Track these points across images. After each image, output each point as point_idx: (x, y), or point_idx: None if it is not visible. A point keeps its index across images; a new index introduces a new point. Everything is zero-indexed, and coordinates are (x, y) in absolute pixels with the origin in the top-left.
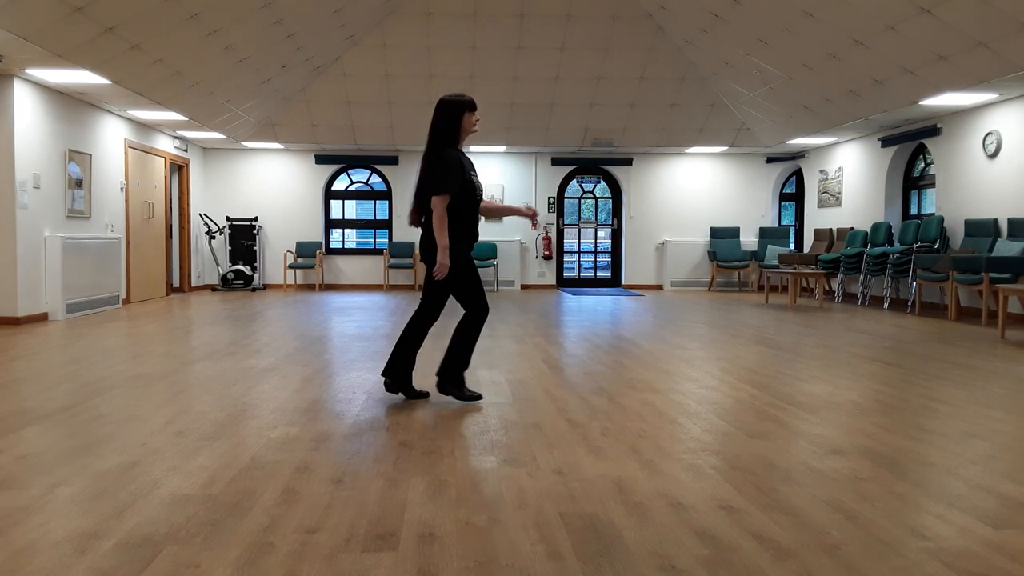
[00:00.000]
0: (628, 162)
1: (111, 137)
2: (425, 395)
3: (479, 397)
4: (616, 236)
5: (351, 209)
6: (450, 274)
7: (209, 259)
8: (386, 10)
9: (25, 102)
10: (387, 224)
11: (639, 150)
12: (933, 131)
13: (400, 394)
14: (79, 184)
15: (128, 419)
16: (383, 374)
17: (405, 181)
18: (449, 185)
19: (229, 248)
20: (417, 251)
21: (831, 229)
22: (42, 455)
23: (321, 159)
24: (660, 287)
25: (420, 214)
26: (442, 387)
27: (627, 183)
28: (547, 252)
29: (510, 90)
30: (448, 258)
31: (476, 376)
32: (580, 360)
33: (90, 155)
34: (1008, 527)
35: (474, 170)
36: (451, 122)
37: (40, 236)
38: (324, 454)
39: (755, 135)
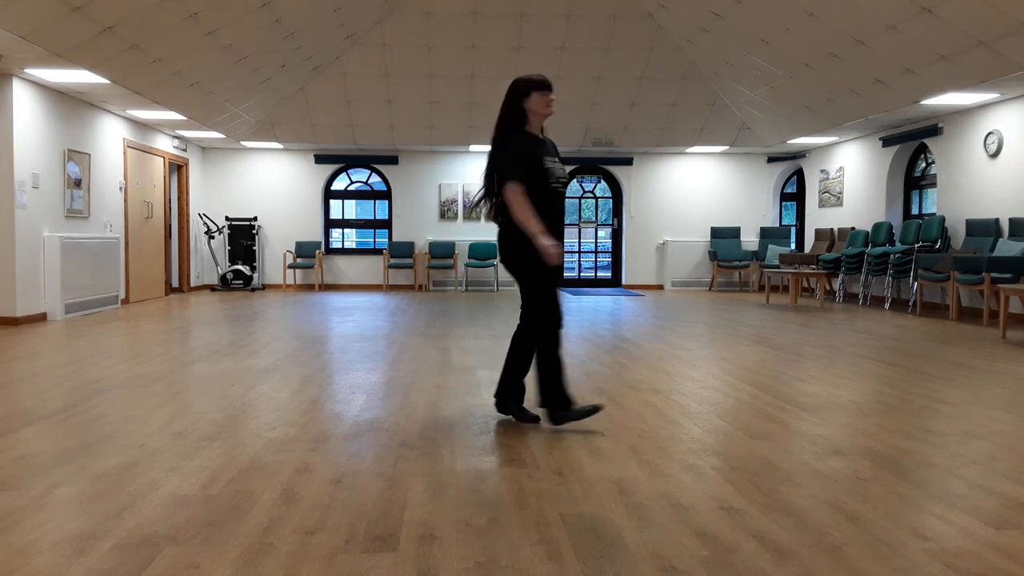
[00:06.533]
0: (628, 162)
1: (110, 137)
2: (536, 419)
3: (536, 419)
4: (616, 236)
5: (351, 209)
6: (532, 270)
7: (208, 259)
8: (386, 9)
9: (24, 102)
10: (387, 224)
11: (639, 150)
12: (934, 131)
13: (510, 416)
14: (78, 184)
15: (127, 419)
16: (495, 395)
17: (405, 181)
18: (518, 171)
19: (228, 248)
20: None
21: (832, 229)
22: (41, 455)
23: (320, 159)
24: (660, 287)
25: (498, 210)
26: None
27: (627, 183)
28: None
29: None
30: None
31: (476, 376)
32: (580, 360)
33: (89, 155)
34: (1009, 528)
35: (555, 155)
36: (515, 104)
37: (39, 236)
38: (324, 454)
39: (756, 135)
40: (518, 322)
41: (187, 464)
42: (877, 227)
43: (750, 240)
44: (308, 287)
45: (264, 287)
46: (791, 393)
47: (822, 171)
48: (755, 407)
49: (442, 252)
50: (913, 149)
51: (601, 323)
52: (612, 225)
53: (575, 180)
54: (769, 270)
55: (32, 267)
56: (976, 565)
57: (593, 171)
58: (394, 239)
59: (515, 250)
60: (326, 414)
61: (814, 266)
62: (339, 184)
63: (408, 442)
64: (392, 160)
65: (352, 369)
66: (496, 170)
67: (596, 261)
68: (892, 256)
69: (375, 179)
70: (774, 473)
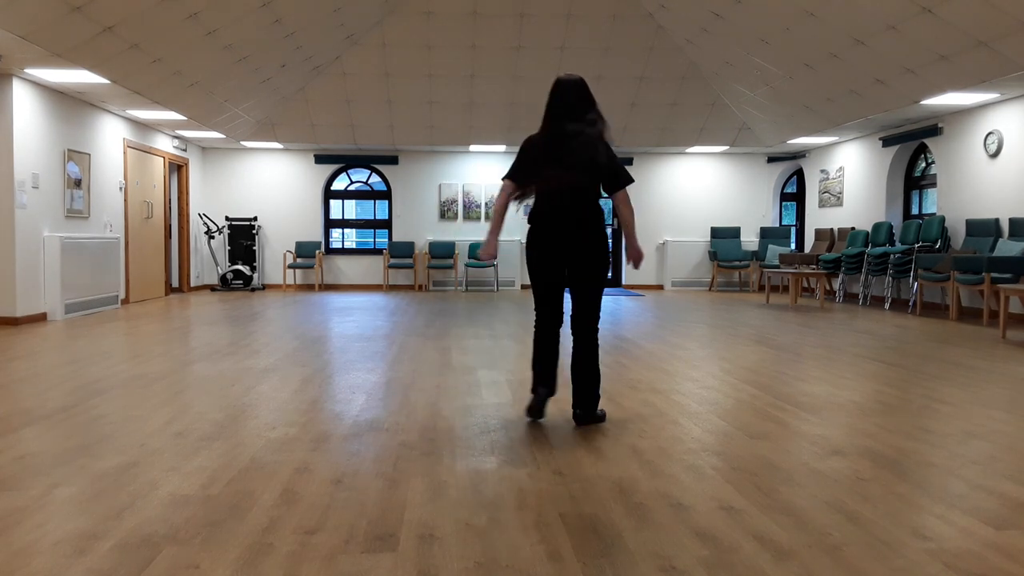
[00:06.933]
0: (628, 162)
1: (110, 137)
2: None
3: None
4: (616, 236)
5: (351, 209)
6: (607, 272)
7: (208, 259)
8: (386, 9)
9: (24, 101)
10: (387, 224)
11: (639, 150)
12: (934, 131)
13: (532, 416)
14: (78, 184)
15: (127, 419)
16: (536, 390)
17: (405, 181)
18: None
19: (228, 248)
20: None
21: (832, 229)
22: (41, 455)
23: (320, 159)
24: (660, 287)
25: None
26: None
27: None
28: None
29: (510, 90)
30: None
31: (476, 376)
32: None
33: (89, 155)
34: (1009, 528)
35: None
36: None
37: (39, 236)
38: (323, 454)
39: (756, 135)
40: (540, 323)
41: (187, 464)
42: (877, 227)
43: (750, 240)
44: (308, 287)
45: (264, 287)
46: (791, 393)
47: (822, 171)
48: (755, 407)
49: (442, 252)
50: (913, 149)
51: (601, 323)
52: (612, 225)
53: None
54: (769, 270)
55: (32, 267)
56: (976, 565)
57: None
58: (394, 239)
59: (605, 249)
60: (326, 414)
61: (814, 266)
62: (339, 184)
63: (408, 442)
64: (392, 160)
65: (352, 369)
66: (612, 170)
67: None
68: (892, 256)
69: (375, 179)
70: (774, 473)
